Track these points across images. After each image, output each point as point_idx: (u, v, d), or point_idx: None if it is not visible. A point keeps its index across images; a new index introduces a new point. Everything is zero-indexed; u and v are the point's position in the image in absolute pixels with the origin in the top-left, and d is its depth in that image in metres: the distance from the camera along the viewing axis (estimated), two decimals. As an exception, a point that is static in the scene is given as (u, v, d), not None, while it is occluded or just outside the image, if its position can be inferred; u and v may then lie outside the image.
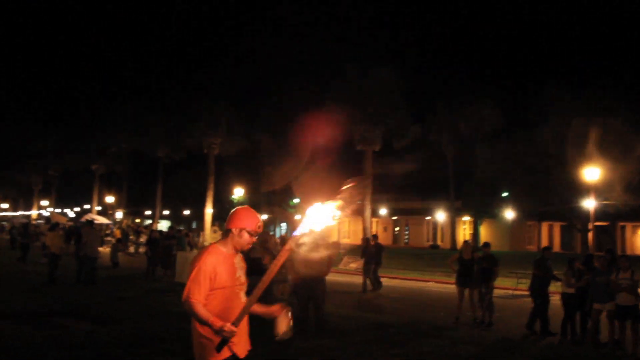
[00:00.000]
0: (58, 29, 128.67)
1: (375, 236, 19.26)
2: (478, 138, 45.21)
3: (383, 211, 50.76)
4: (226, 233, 3.71)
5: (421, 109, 42.85)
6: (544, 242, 44.65)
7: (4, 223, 57.18)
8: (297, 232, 3.46)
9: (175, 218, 62.98)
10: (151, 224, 51.00)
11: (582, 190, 29.94)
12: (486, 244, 11.97)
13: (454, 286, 12.37)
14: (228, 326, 3.35)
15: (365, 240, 18.98)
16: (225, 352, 3.50)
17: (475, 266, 11.42)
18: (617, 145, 32.04)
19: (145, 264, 18.97)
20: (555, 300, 11.05)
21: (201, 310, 3.46)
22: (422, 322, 10.32)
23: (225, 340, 3.38)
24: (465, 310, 11.67)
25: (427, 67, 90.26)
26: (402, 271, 25.77)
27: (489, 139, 44.37)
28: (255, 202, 56.07)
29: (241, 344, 3.64)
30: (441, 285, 20.13)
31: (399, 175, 58.51)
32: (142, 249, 29.98)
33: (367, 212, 31.83)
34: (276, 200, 57.30)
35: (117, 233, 34.36)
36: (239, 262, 3.74)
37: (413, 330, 9.26)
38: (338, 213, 3.47)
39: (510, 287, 17.80)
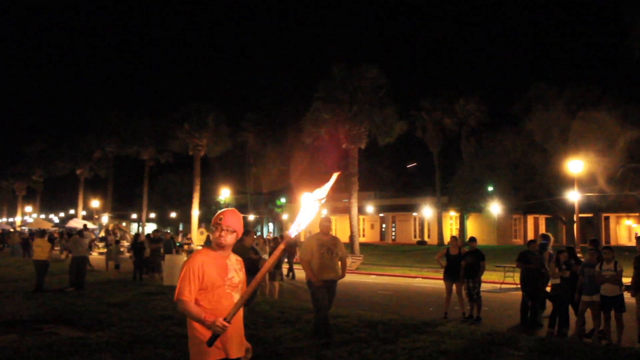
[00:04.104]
0: (43, 33, 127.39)
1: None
2: (463, 134, 45.54)
3: (370, 208, 50.89)
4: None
5: (407, 106, 43.08)
6: (530, 236, 45.05)
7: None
8: (292, 231, 3.46)
9: (161, 221, 62.68)
10: (138, 228, 50.75)
11: (567, 183, 30.25)
12: (472, 239, 12.05)
13: (441, 281, 12.45)
14: (220, 321, 3.37)
15: (278, 237, 21.81)
16: (219, 354, 3.53)
17: (462, 261, 11.52)
18: (599, 139, 32.45)
19: (132, 268, 18.92)
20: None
21: (192, 307, 3.52)
22: (412, 318, 10.38)
23: (216, 335, 3.40)
24: (453, 305, 11.77)
25: (412, 64, 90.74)
26: (390, 268, 25.90)
27: (474, 135, 44.74)
28: (241, 202, 56.07)
29: (235, 345, 3.63)
30: (429, 280, 20.27)
31: (385, 173, 58.87)
32: (127, 254, 29.85)
33: (354, 210, 31.85)
34: (263, 201, 57.28)
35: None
36: (233, 263, 3.75)
37: (403, 326, 9.31)
38: (320, 203, 3.49)
39: (497, 281, 17.97)
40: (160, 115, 50.13)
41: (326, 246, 8.32)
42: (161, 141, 48.05)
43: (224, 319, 3.38)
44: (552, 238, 12.16)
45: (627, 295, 9.30)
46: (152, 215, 61.49)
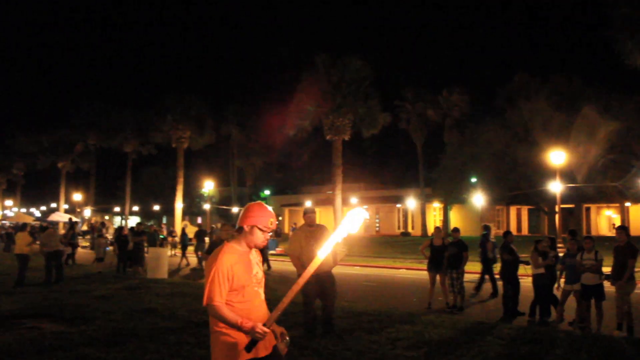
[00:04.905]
0: (22, 25, 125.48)
1: None
2: (447, 125, 45.68)
3: (354, 200, 50.97)
4: (239, 230, 3.60)
5: (390, 97, 43.13)
6: (513, 226, 45.48)
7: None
8: (333, 241, 3.44)
9: (145, 214, 62.29)
10: (121, 221, 50.39)
11: (549, 174, 30.52)
12: (455, 230, 12.13)
13: (425, 272, 12.54)
14: (260, 327, 3.25)
15: None
16: (250, 354, 3.42)
17: (446, 252, 11.60)
18: (581, 130, 32.74)
19: (115, 261, 18.82)
20: (527, 283, 11.30)
21: (227, 312, 3.37)
22: (395, 309, 10.44)
23: (255, 341, 3.28)
24: (437, 296, 11.86)
25: (396, 55, 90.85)
26: (374, 259, 26.01)
27: (457, 126, 44.89)
28: (225, 195, 55.88)
29: (267, 340, 3.56)
30: (413, 271, 20.39)
31: (369, 164, 58.99)
32: (111, 247, 29.66)
33: (338, 202, 31.93)
34: (247, 193, 57.11)
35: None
36: (255, 257, 3.68)
37: (386, 317, 9.36)
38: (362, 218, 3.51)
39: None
40: (142, 107, 50.03)
41: (314, 238, 7.88)
42: (144, 133, 47.70)
43: (264, 325, 3.26)
44: (492, 228, 13.08)
45: (606, 284, 9.44)
46: (136, 208, 61.04)
